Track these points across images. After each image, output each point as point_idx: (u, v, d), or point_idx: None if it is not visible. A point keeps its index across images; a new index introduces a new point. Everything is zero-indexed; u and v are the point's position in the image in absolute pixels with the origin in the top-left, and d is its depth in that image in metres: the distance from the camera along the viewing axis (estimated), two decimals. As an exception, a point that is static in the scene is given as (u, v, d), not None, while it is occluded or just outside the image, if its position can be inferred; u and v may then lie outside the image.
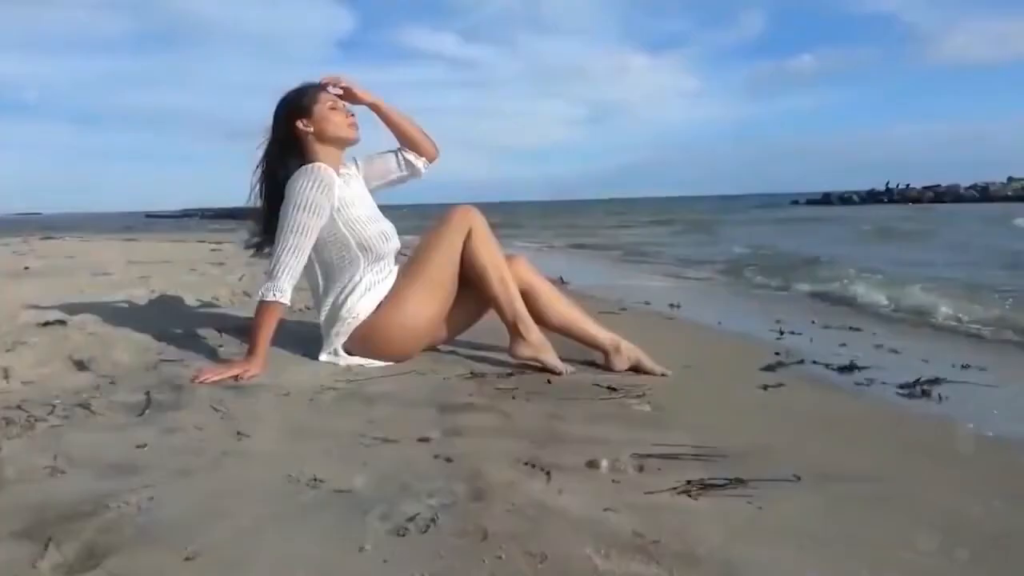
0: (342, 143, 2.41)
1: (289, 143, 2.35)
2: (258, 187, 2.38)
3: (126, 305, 3.15)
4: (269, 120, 2.38)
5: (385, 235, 2.41)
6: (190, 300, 3.38)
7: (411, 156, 2.61)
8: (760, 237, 13.63)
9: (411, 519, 1.22)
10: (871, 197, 44.60)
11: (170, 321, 2.79)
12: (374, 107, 2.52)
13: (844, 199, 45.78)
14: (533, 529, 1.22)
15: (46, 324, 2.64)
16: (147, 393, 1.91)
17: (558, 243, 13.92)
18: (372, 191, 2.57)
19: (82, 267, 5.54)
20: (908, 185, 45.39)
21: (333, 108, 2.36)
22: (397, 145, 2.61)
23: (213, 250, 7.86)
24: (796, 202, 50.85)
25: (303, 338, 2.54)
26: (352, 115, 2.41)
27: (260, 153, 2.38)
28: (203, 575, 1.04)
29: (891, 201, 41.59)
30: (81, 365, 2.17)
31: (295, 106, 2.35)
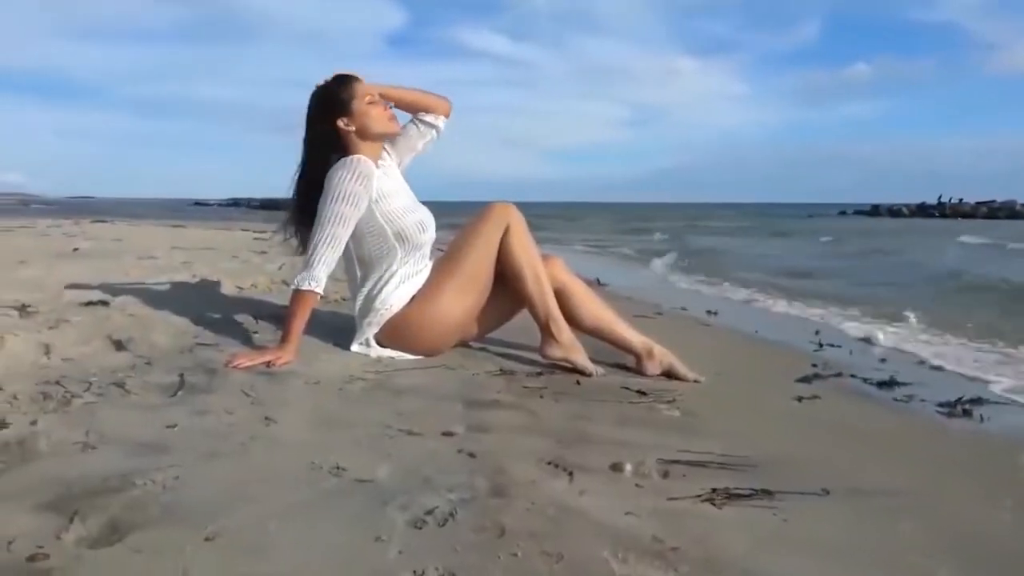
0: (384, 137, 2.42)
1: (330, 140, 2.36)
2: (297, 181, 2.40)
3: (167, 289, 3.21)
4: (304, 114, 2.39)
5: (422, 225, 2.41)
6: (229, 286, 3.43)
7: (428, 118, 2.55)
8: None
9: (430, 512, 1.22)
10: (921, 211, 43.58)
11: (208, 306, 2.83)
12: (383, 96, 2.48)
13: (893, 212, 44.81)
14: (552, 529, 1.21)
15: (89, 304, 2.70)
16: (181, 375, 1.94)
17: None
18: (406, 168, 2.56)
19: (128, 250, 5.65)
20: (961, 200, 44.24)
21: (372, 103, 2.36)
22: (410, 116, 2.58)
23: (256, 238, 7.97)
24: (844, 213, 49.95)
25: (337, 328, 2.56)
26: (388, 106, 2.41)
27: (302, 149, 2.39)
28: (221, 556, 1.05)
29: (942, 216, 40.57)
30: (120, 345, 2.22)
31: (334, 104, 2.35)
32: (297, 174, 2.40)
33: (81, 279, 3.39)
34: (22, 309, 2.57)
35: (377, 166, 2.38)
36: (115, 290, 3.01)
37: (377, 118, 2.37)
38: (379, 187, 2.34)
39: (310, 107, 2.39)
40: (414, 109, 2.55)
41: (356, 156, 2.31)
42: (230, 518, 1.16)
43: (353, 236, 2.33)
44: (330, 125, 2.34)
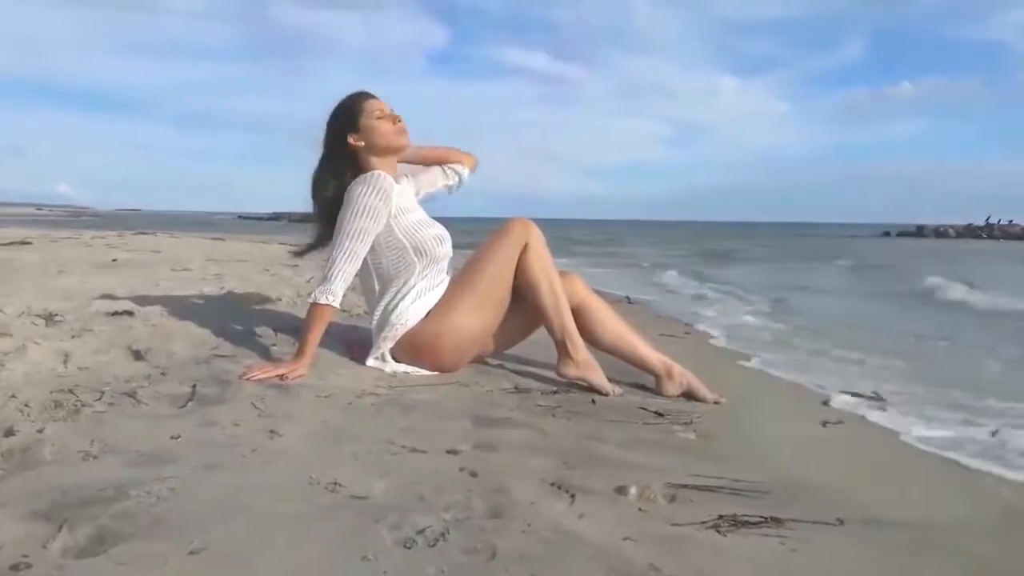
0: (393, 151, 2.42)
1: (343, 157, 2.38)
2: (314, 199, 2.42)
3: (193, 300, 3.25)
4: (321, 133, 2.42)
5: (440, 238, 2.41)
6: (255, 298, 3.46)
7: (455, 166, 2.69)
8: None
9: (421, 531, 1.20)
10: (968, 232, 42.53)
11: (231, 317, 2.85)
12: (412, 158, 2.57)
13: (939, 233, 43.81)
14: (545, 552, 1.17)
15: (115, 314, 2.74)
16: (193, 386, 1.95)
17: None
18: (420, 199, 2.58)
19: (165, 262, 5.76)
20: (1011, 221, 43.10)
21: (380, 117, 2.37)
22: None
23: (291, 252, 8.09)
24: (887, 233, 48.97)
25: (354, 342, 2.56)
26: (399, 120, 2.41)
27: (317, 166, 2.42)
28: (202, 569, 1.04)
29: (990, 237, 39.54)
30: (138, 355, 2.24)
31: (343, 121, 2.38)
32: (312, 191, 2.42)
33: (112, 289, 3.45)
34: (49, 318, 2.61)
35: (396, 181, 2.39)
36: (143, 300, 3.05)
37: (383, 132, 2.37)
38: (398, 202, 2.34)
39: (326, 127, 2.42)
40: (441, 163, 2.67)
41: (376, 172, 2.32)
42: (218, 531, 1.14)
43: (372, 250, 2.33)
44: (341, 142, 2.37)
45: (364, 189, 2.28)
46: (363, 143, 2.37)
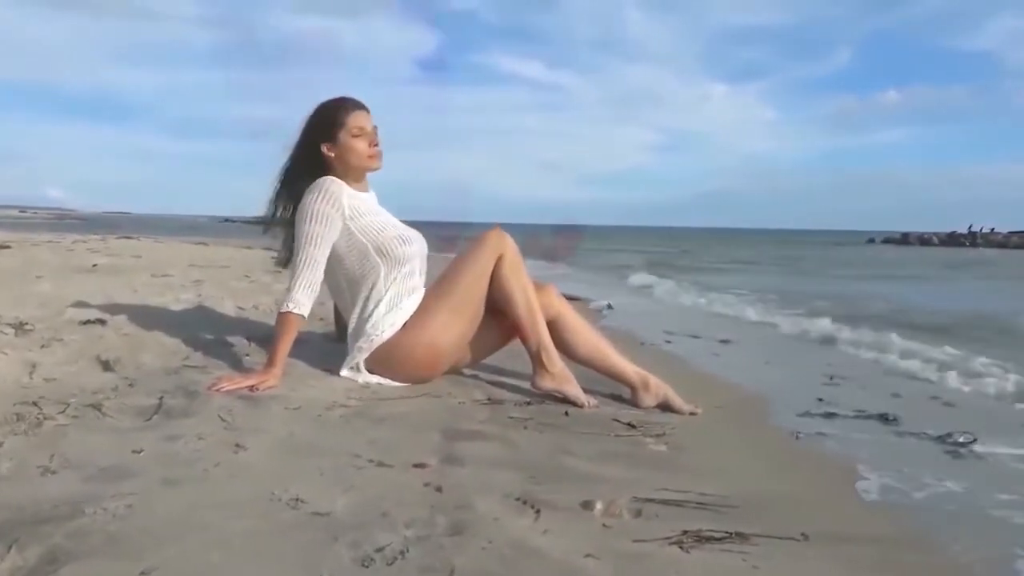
0: (362, 172, 2.42)
1: (312, 161, 2.38)
2: (277, 200, 2.41)
3: (168, 308, 3.23)
4: (299, 128, 2.41)
5: (403, 239, 2.40)
6: (231, 306, 3.44)
7: None
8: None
9: (380, 549, 1.19)
10: (952, 240, 42.92)
11: (205, 326, 2.83)
12: None
13: (924, 240, 44.20)
14: (503, 571, 1.17)
15: (86, 322, 2.72)
16: (160, 398, 1.94)
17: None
18: None
19: (145, 267, 5.73)
20: (992, 229, 43.54)
21: (357, 136, 2.37)
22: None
23: (273, 257, 8.05)
24: (872, 240, 49.32)
25: (329, 351, 2.55)
26: (376, 144, 2.40)
27: (285, 165, 2.41)
28: (153, 591, 1.02)
29: (973, 245, 39.92)
30: (107, 365, 2.22)
31: (321, 128, 2.37)
32: (276, 188, 2.41)
33: (88, 296, 3.42)
34: (19, 327, 2.58)
35: (367, 189, 2.39)
36: (117, 308, 3.03)
37: (357, 152, 2.37)
38: (352, 204, 2.34)
39: (304, 126, 2.40)
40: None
41: (326, 177, 2.34)
42: (172, 550, 1.13)
43: (336, 256, 2.34)
44: (314, 148, 2.36)
45: (314, 196, 2.30)
46: (334, 155, 2.37)
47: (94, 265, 5.83)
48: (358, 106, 2.39)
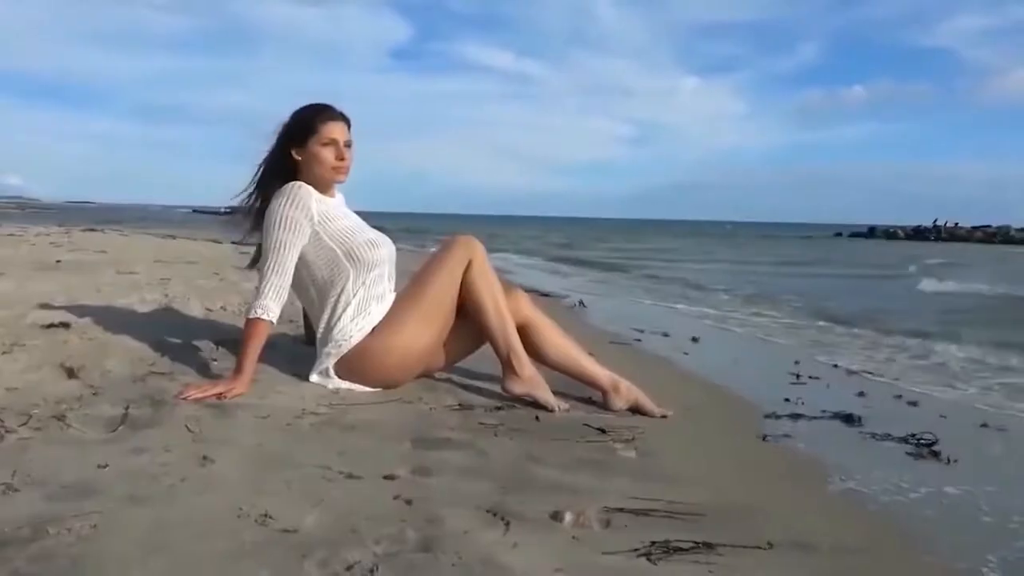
0: (324, 183, 2.40)
1: (282, 164, 2.38)
2: (251, 200, 2.40)
3: (133, 309, 3.18)
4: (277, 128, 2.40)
5: (372, 243, 2.40)
6: (199, 307, 3.40)
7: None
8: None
9: (350, 568, 1.19)
10: (917, 234, 43.71)
11: (172, 330, 2.79)
12: None
13: (889, 234, 44.95)
14: (473, 588, 1.17)
15: (50, 326, 2.67)
16: (126, 408, 1.91)
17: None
18: None
19: (110, 263, 5.63)
20: (956, 224, 44.39)
21: (326, 144, 2.35)
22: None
23: (243, 253, 7.95)
24: (839, 234, 50.06)
25: (298, 356, 2.53)
26: (344, 158, 2.38)
27: (259, 163, 2.40)
28: (118, 618, 1.01)
29: (938, 239, 40.68)
30: (71, 373, 2.18)
31: (294, 133, 2.37)
32: (247, 191, 2.40)
33: (51, 296, 3.36)
34: (-21, 331, 2.53)
35: (334, 195, 2.39)
36: (81, 310, 2.97)
37: (323, 162, 2.36)
38: (320, 210, 2.33)
39: (281, 128, 2.39)
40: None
41: (294, 183, 2.33)
42: (137, 573, 1.12)
43: (305, 261, 2.33)
44: (285, 151, 2.36)
45: (282, 201, 2.30)
46: (301, 160, 2.36)
47: (57, 261, 5.72)
48: (335, 117, 2.38)
